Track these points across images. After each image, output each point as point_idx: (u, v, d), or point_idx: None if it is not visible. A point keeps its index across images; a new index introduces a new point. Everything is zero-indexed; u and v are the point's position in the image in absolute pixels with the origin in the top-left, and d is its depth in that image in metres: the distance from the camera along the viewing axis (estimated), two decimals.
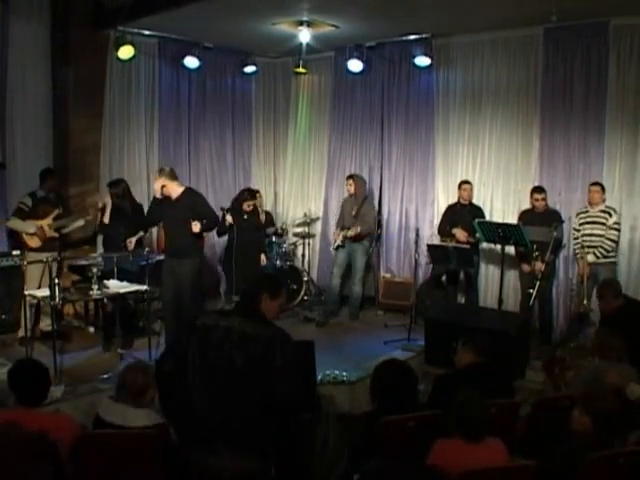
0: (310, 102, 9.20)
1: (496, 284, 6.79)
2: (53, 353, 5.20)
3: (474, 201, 7.36)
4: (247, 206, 7.20)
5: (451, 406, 3.12)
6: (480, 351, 3.99)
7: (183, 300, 5.93)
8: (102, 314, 6.61)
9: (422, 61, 7.54)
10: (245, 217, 7.20)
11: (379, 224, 8.47)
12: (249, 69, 8.67)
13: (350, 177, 7.90)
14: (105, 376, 5.37)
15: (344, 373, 5.31)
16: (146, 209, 6.60)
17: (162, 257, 6.39)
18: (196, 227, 5.88)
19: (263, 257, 7.50)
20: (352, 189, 7.75)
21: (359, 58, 7.83)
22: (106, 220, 6.58)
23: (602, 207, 6.39)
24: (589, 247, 6.33)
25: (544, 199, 6.68)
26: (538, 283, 6.04)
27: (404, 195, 8.25)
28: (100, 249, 6.87)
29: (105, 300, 6.18)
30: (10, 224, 6.46)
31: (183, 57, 7.92)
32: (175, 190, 5.92)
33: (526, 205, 6.97)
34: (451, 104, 7.79)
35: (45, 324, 6.23)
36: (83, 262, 6.29)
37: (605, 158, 6.64)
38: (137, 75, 7.85)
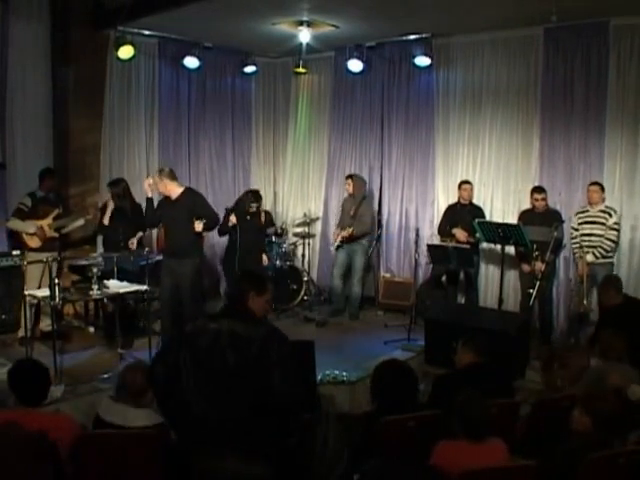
0: (310, 102, 9.20)
1: (496, 284, 6.79)
2: (53, 353, 5.20)
3: (474, 201, 7.36)
4: (251, 207, 7.21)
5: (452, 406, 3.12)
6: (480, 351, 3.99)
7: (183, 300, 5.93)
8: (102, 314, 6.61)
9: (422, 61, 7.54)
10: (248, 218, 7.21)
11: (379, 224, 8.47)
12: (249, 69, 8.66)
13: (349, 177, 7.91)
14: (105, 376, 5.37)
15: (344, 373, 5.31)
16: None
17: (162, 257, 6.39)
18: (199, 226, 5.90)
19: (265, 257, 7.51)
20: (351, 189, 7.77)
21: (359, 58, 7.82)
22: (106, 222, 6.58)
23: (602, 207, 6.39)
24: (588, 247, 6.33)
25: (544, 199, 6.68)
26: (538, 283, 6.04)
27: (404, 195, 8.25)
28: (100, 249, 6.87)
29: (105, 300, 6.18)
30: (10, 224, 6.45)
31: (183, 57, 7.91)
32: (175, 190, 5.92)
33: (526, 205, 6.96)
34: (451, 104, 7.79)
35: (45, 324, 6.23)
36: (83, 262, 6.29)
37: (605, 158, 6.64)
38: (137, 75, 7.85)
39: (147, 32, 7.58)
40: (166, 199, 5.96)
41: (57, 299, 5.27)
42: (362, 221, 7.64)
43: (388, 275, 8.31)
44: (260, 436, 1.08)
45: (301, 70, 8.45)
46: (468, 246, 6.84)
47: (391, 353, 6.22)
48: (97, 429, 3.26)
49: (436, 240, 7.31)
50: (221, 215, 7.15)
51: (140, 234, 6.74)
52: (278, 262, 8.07)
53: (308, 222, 8.74)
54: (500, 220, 6.99)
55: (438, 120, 7.86)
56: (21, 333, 6.09)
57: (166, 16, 6.63)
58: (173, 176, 5.97)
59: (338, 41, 7.74)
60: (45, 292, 5.48)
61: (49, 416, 3.35)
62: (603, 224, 6.33)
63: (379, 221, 8.49)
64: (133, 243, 6.52)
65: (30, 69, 6.94)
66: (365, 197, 7.87)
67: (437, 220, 7.67)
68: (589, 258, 6.26)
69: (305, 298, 8.31)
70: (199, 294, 6.22)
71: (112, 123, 7.66)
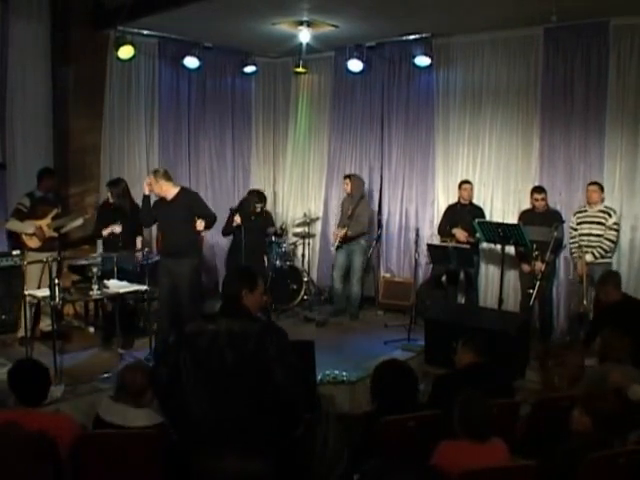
0: (310, 102, 9.20)
1: (496, 284, 6.79)
2: (53, 353, 5.20)
3: (474, 201, 7.35)
4: (256, 207, 7.21)
5: (453, 407, 3.12)
6: (480, 351, 3.99)
7: (181, 300, 5.93)
8: (102, 314, 6.62)
9: (422, 61, 7.54)
10: (253, 218, 7.22)
11: (379, 224, 8.47)
12: (249, 69, 8.66)
13: (347, 177, 7.92)
14: (105, 376, 5.36)
15: (344, 373, 5.31)
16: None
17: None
18: (201, 225, 5.91)
19: (265, 259, 7.55)
20: (348, 188, 7.78)
21: (359, 58, 7.82)
22: (104, 233, 6.57)
23: (601, 207, 6.39)
24: (587, 247, 6.34)
25: (544, 199, 6.68)
26: (538, 283, 6.04)
27: (404, 195, 8.25)
28: (100, 249, 6.87)
29: (105, 300, 6.18)
30: (8, 225, 6.45)
31: (183, 57, 7.91)
32: (170, 191, 5.91)
33: (526, 205, 6.96)
34: (451, 104, 7.79)
35: (45, 324, 6.23)
36: (83, 262, 6.29)
37: (605, 158, 6.64)
38: (137, 75, 7.85)
39: (147, 32, 7.58)
40: (161, 200, 5.96)
41: (57, 299, 5.27)
42: (359, 221, 7.65)
43: (388, 275, 8.31)
44: (260, 434, 1.08)
45: (301, 70, 8.45)
46: (468, 246, 6.84)
47: (391, 353, 6.22)
48: (97, 429, 3.26)
49: (436, 240, 7.31)
50: (225, 215, 7.17)
51: (140, 239, 6.77)
52: (278, 262, 8.07)
53: (308, 222, 8.74)
54: (500, 220, 6.99)
55: (438, 120, 7.86)
56: (21, 333, 6.09)
57: (166, 16, 6.63)
58: (168, 177, 5.97)
59: (338, 41, 7.74)
60: (45, 292, 5.48)
61: (49, 416, 3.35)
62: (602, 224, 6.32)
63: (379, 221, 8.49)
64: (139, 255, 6.53)
65: (30, 69, 6.94)
66: (363, 197, 7.87)
67: (437, 220, 7.67)
68: (588, 258, 6.26)
69: (305, 298, 8.31)
70: (197, 294, 6.22)
71: (112, 123, 7.66)
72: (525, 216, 6.77)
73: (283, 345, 1.12)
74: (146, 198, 6.08)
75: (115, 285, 5.87)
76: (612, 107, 6.57)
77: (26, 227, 6.35)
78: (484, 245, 7.15)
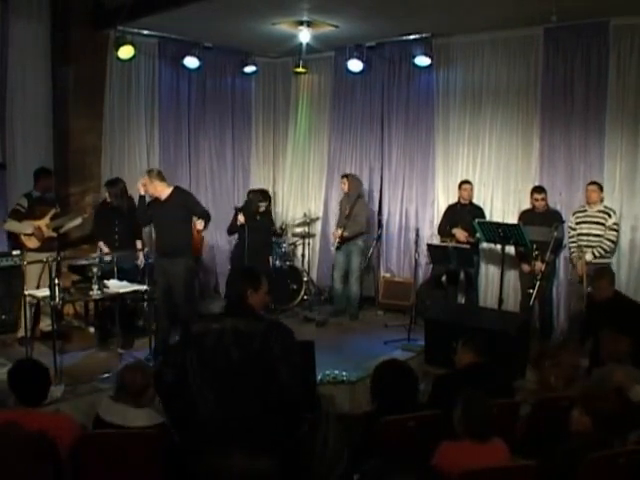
0: (310, 102, 9.20)
1: (496, 284, 6.80)
2: (53, 353, 5.20)
3: (474, 201, 7.36)
4: (260, 207, 7.20)
5: (454, 407, 3.11)
6: (480, 351, 3.99)
7: (176, 300, 5.94)
8: (96, 313, 6.61)
9: (422, 61, 7.54)
10: (258, 218, 7.21)
11: (379, 224, 8.48)
12: (249, 69, 8.66)
13: (344, 176, 7.96)
14: (105, 376, 5.37)
15: (344, 373, 5.31)
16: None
17: None
18: (201, 225, 5.93)
19: (270, 260, 7.56)
20: (346, 188, 7.81)
21: (359, 58, 7.82)
22: (102, 247, 6.58)
23: (600, 207, 6.39)
24: (587, 247, 6.34)
25: (544, 199, 6.68)
26: (538, 283, 6.04)
27: (404, 195, 8.25)
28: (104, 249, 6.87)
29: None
30: (7, 226, 6.44)
31: (183, 57, 7.91)
32: (164, 191, 5.92)
33: (526, 205, 6.97)
34: (451, 104, 7.79)
35: (45, 324, 6.23)
36: (83, 262, 6.29)
37: (605, 158, 6.64)
38: (137, 75, 7.85)
39: (147, 32, 7.58)
40: (155, 200, 5.97)
41: (57, 299, 5.27)
42: (356, 221, 7.67)
43: (388, 275, 8.31)
44: (266, 433, 1.08)
45: (301, 70, 8.45)
46: (468, 246, 6.84)
47: (391, 353, 6.22)
48: (97, 429, 3.26)
49: (436, 240, 7.32)
50: (225, 215, 7.16)
51: (139, 242, 6.78)
52: (278, 262, 8.07)
53: (308, 222, 8.74)
54: (500, 220, 7.00)
55: (438, 120, 7.86)
56: (21, 333, 6.09)
57: (166, 16, 6.63)
58: (162, 177, 5.99)
59: (338, 41, 7.74)
60: (45, 292, 5.48)
61: (49, 416, 3.35)
62: (601, 224, 6.33)
63: (379, 221, 8.50)
64: (142, 262, 6.51)
65: (30, 69, 6.93)
66: (360, 196, 7.87)
67: (437, 220, 7.67)
68: (588, 257, 6.26)
69: (305, 298, 8.32)
70: (193, 294, 6.23)
71: (112, 123, 7.66)
72: (525, 216, 6.77)
73: (288, 344, 1.12)
74: (142, 198, 6.10)
75: (115, 285, 5.87)
76: (612, 107, 6.57)
77: (24, 227, 6.34)
78: (484, 245, 7.15)
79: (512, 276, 7.20)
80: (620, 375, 3.67)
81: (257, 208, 7.19)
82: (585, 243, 6.35)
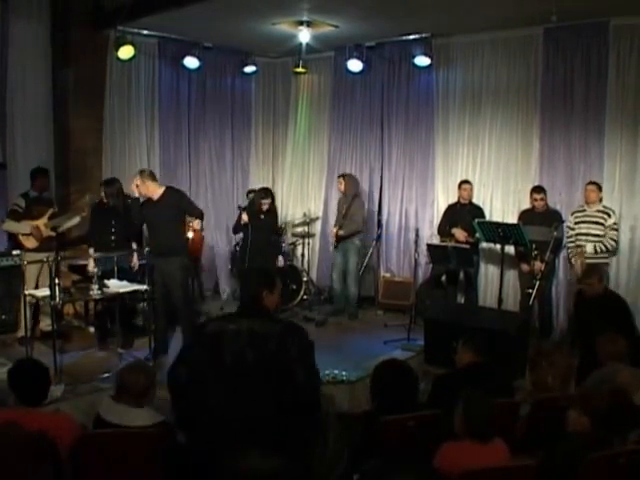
0: (310, 102, 9.20)
1: (496, 284, 6.80)
2: (53, 353, 5.19)
3: (474, 201, 7.36)
4: (262, 204, 7.20)
5: (454, 407, 3.11)
6: (480, 351, 3.99)
7: (174, 299, 5.95)
8: (95, 312, 6.60)
9: (422, 61, 7.54)
10: (262, 217, 7.22)
11: (379, 224, 8.48)
12: (249, 69, 8.66)
13: (341, 176, 7.98)
14: (105, 375, 5.37)
15: (344, 373, 5.31)
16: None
17: None
18: (198, 224, 5.95)
19: (281, 259, 7.54)
20: (342, 187, 7.84)
21: (359, 58, 7.83)
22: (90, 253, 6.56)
23: (599, 207, 6.40)
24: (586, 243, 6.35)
25: (543, 199, 6.69)
26: (537, 283, 6.05)
27: (404, 195, 8.25)
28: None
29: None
30: (5, 227, 6.44)
31: (183, 57, 7.91)
32: (156, 191, 5.93)
33: (526, 205, 6.97)
34: (451, 104, 7.79)
35: (45, 324, 6.23)
36: (83, 262, 6.29)
37: (605, 158, 6.64)
38: (137, 75, 7.85)
39: (147, 32, 7.59)
40: (148, 200, 5.97)
41: (57, 299, 5.27)
42: (353, 220, 7.69)
43: (388, 275, 8.31)
44: (279, 433, 1.09)
45: (301, 70, 8.45)
46: (468, 246, 6.84)
47: (391, 353, 6.23)
48: (97, 429, 3.26)
49: (436, 240, 7.32)
50: (225, 215, 7.15)
51: (135, 247, 6.76)
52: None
53: (308, 222, 8.74)
54: (500, 220, 7.00)
55: (438, 120, 7.86)
56: (21, 333, 6.09)
57: (166, 16, 6.63)
58: (153, 177, 6.01)
59: (338, 41, 7.74)
60: (45, 292, 5.48)
61: (49, 416, 3.35)
62: (600, 224, 6.33)
63: (379, 221, 8.51)
64: (135, 264, 6.50)
65: (30, 69, 6.94)
66: (357, 196, 7.88)
67: (437, 220, 7.67)
68: (589, 248, 6.26)
69: (305, 298, 8.31)
70: (191, 294, 6.22)
71: (112, 123, 7.66)
72: (525, 216, 6.78)
73: (305, 346, 1.13)
74: (135, 200, 6.12)
75: (115, 285, 5.87)
76: (612, 107, 6.57)
77: (22, 227, 6.34)
78: (484, 245, 7.15)
79: (512, 276, 7.20)
80: (626, 376, 3.67)
81: (260, 206, 7.18)
82: (584, 243, 6.35)
